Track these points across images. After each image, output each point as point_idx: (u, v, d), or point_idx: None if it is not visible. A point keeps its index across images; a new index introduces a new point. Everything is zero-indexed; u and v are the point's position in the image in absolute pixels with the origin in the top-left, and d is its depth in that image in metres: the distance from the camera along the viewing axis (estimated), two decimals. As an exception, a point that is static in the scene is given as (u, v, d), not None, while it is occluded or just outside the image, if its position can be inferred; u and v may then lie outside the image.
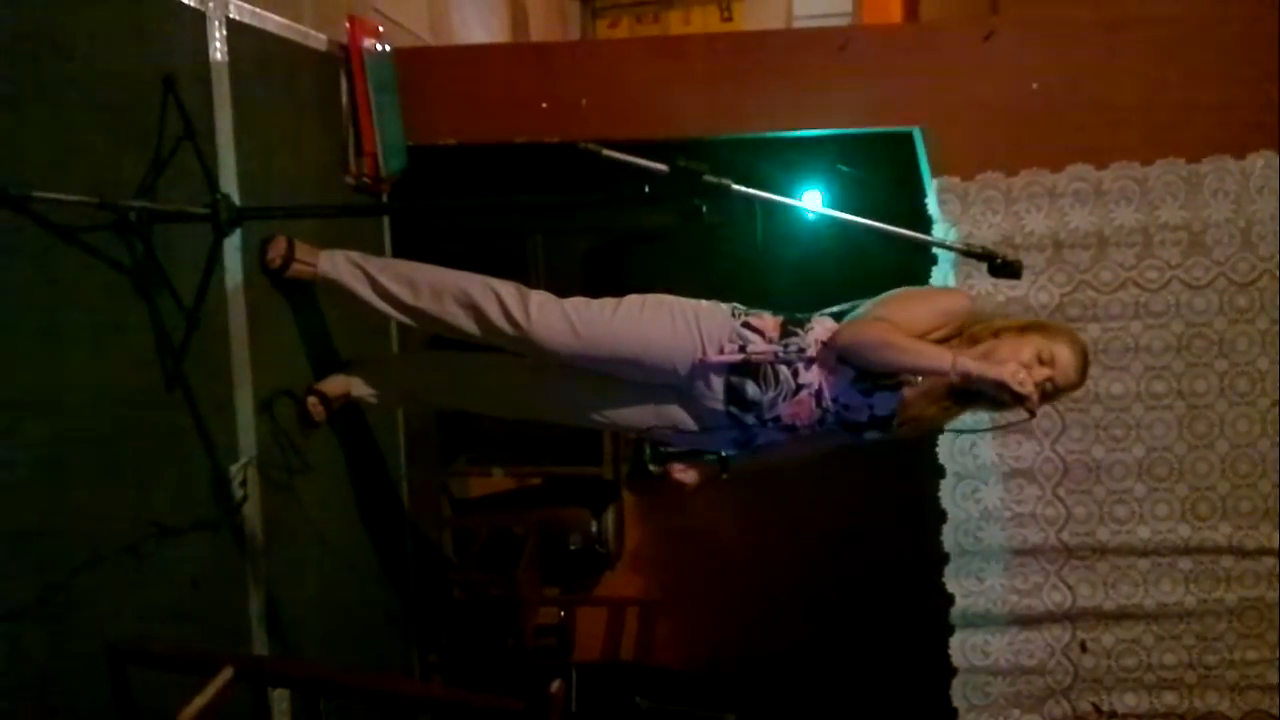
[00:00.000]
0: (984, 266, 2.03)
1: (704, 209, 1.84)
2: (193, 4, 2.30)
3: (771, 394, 2.39)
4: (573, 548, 4.46)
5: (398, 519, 3.61)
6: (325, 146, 3.00)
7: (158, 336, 2.09)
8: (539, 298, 2.52)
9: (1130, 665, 3.28)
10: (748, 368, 2.39)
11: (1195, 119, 3.10)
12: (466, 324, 2.56)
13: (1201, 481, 3.20)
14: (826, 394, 2.37)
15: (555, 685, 1.71)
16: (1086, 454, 3.20)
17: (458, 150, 3.31)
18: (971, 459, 3.20)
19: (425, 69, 3.32)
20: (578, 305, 2.49)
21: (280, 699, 2.49)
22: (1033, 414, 2.23)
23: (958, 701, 3.34)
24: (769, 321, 2.45)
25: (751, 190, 1.87)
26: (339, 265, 2.64)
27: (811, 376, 2.37)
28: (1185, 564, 3.24)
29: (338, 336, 2.95)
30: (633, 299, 2.49)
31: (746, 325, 2.43)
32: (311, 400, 2.76)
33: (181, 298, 2.12)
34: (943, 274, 3.12)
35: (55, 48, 1.84)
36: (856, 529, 4.44)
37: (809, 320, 2.45)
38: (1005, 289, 3.08)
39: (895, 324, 2.30)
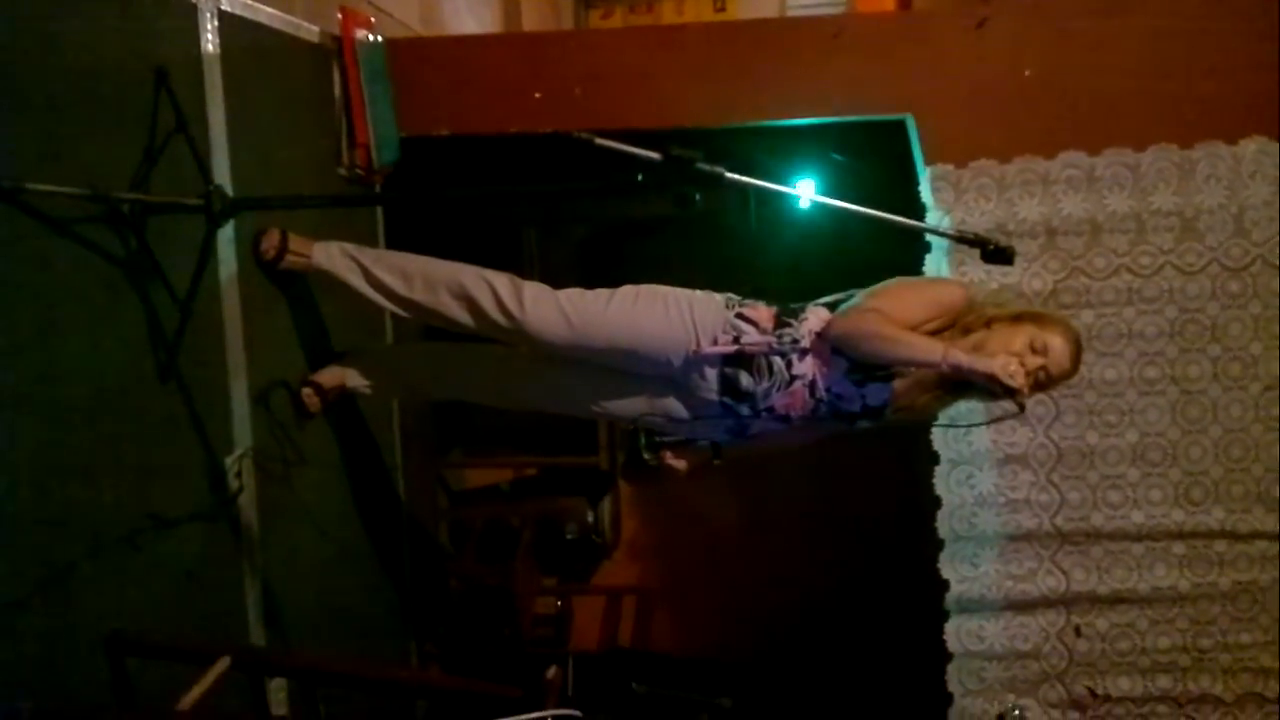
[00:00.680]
0: (977, 253, 2.04)
1: (697, 197, 1.84)
2: (184, -4, 2.30)
3: (765, 385, 2.39)
4: (569, 538, 4.47)
5: (394, 510, 3.61)
6: (318, 138, 3.00)
7: (151, 329, 2.09)
8: (533, 289, 2.52)
9: (1124, 649, 3.29)
10: (742, 358, 2.39)
11: (1188, 105, 3.10)
12: (461, 315, 2.56)
13: (1194, 466, 3.21)
14: (820, 384, 2.38)
15: (552, 671, 1.72)
16: (1080, 439, 3.21)
17: (451, 141, 3.31)
18: (966, 445, 3.21)
19: (418, 60, 3.31)
20: (572, 296, 2.49)
21: (277, 688, 2.50)
22: (1022, 408, 2.24)
23: (953, 686, 3.35)
24: (763, 312, 2.46)
25: (745, 178, 1.87)
26: (333, 257, 2.64)
27: (805, 367, 2.38)
28: (1179, 548, 3.25)
29: (332, 328, 2.95)
30: (627, 290, 2.49)
31: (740, 316, 2.43)
32: (306, 392, 2.76)
33: (175, 290, 2.12)
34: (936, 261, 3.13)
35: (47, 40, 1.84)
36: (851, 515, 4.45)
37: (803, 310, 2.45)
38: (998, 275, 3.08)
39: (888, 315, 2.30)
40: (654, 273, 2.54)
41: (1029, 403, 2.51)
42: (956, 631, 3.33)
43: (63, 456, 1.84)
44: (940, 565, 3.29)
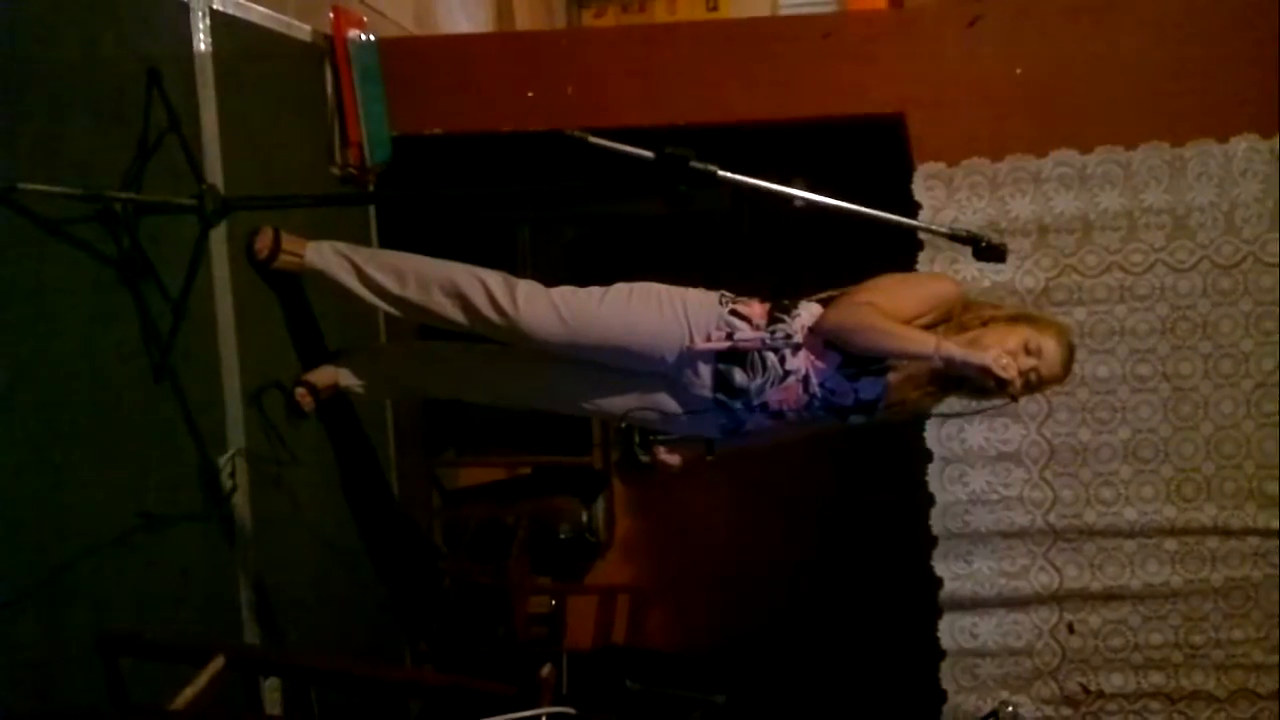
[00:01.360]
0: (969, 250, 2.04)
1: (690, 195, 1.84)
2: (176, -5, 2.29)
3: (759, 381, 2.40)
4: (563, 537, 4.46)
5: (387, 509, 3.61)
6: (310, 137, 3.00)
7: (145, 328, 2.09)
8: (526, 287, 2.52)
9: (1117, 646, 3.30)
10: (735, 355, 2.40)
11: (1179, 103, 3.12)
12: (454, 314, 2.56)
13: (1186, 463, 3.22)
14: (814, 379, 2.38)
15: (546, 669, 1.72)
16: (1073, 437, 3.22)
17: (444, 140, 3.31)
18: (959, 443, 3.22)
19: (410, 59, 3.31)
20: (565, 294, 2.50)
21: (271, 688, 2.50)
22: (1014, 399, 2.26)
23: (946, 684, 3.36)
24: (756, 308, 2.46)
25: (738, 176, 1.87)
26: (326, 256, 2.64)
27: (798, 363, 2.39)
28: (1171, 545, 3.26)
29: (325, 327, 2.95)
30: (620, 287, 2.50)
31: (734, 312, 2.44)
32: (300, 391, 2.76)
33: (168, 289, 2.12)
34: (929, 259, 3.13)
35: (39, 40, 1.84)
36: (845, 513, 4.46)
37: (796, 306, 2.46)
38: (991, 273, 3.09)
39: (881, 308, 2.31)
40: (647, 270, 2.54)
41: (1021, 400, 2.52)
42: (950, 629, 3.33)
43: (55, 456, 1.83)
44: (933, 563, 3.29)
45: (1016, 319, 2.38)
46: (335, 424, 3.05)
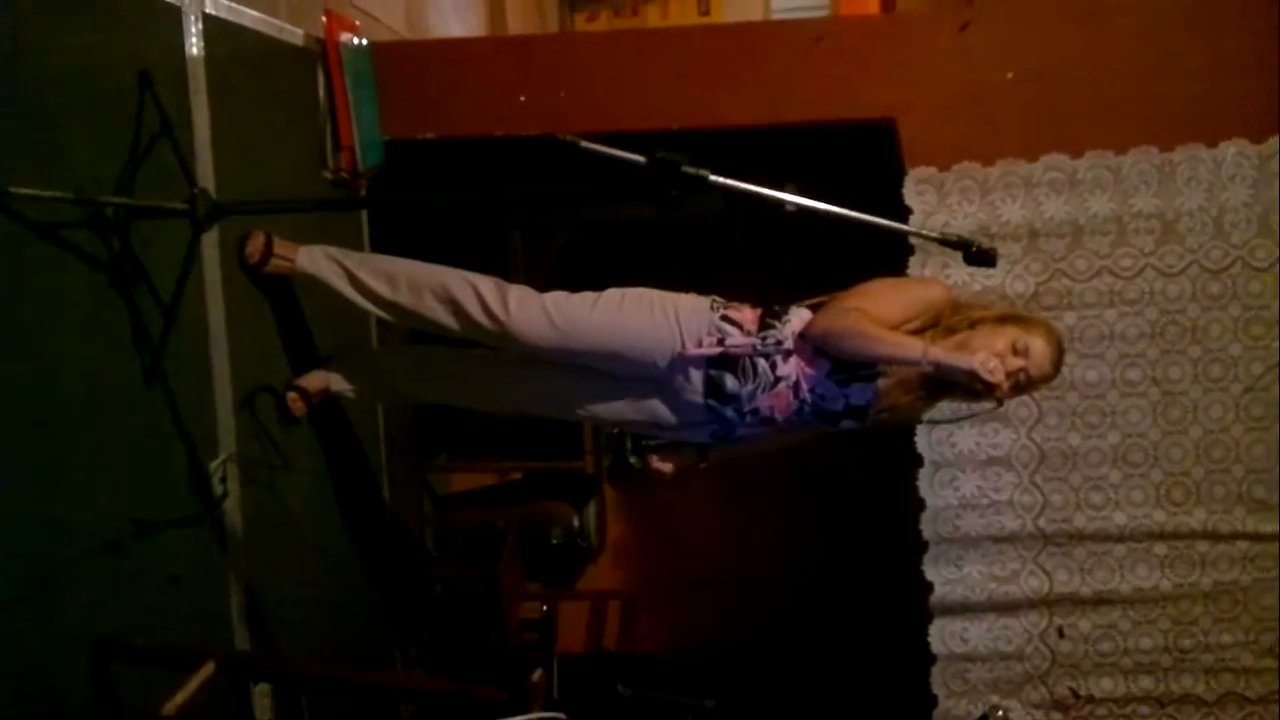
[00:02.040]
0: (960, 255, 2.05)
1: (682, 200, 1.85)
2: (168, -1, 2.29)
3: (750, 387, 2.40)
4: (554, 542, 4.46)
5: (378, 514, 3.60)
6: (303, 141, 2.99)
7: (136, 333, 2.08)
8: (518, 292, 2.52)
9: (1107, 650, 3.32)
10: (727, 360, 2.40)
11: (1169, 108, 3.13)
12: (445, 319, 2.56)
13: (1176, 467, 3.24)
14: (804, 385, 2.39)
15: (537, 674, 1.72)
16: (1063, 441, 3.23)
17: (436, 144, 3.31)
18: (949, 447, 3.23)
19: (402, 63, 3.31)
20: (557, 299, 2.50)
21: (262, 694, 2.49)
22: (1000, 403, 2.27)
23: (937, 688, 3.37)
24: (748, 314, 2.46)
25: (730, 181, 1.88)
26: (317, 260, 2.64)
27: (789, 368, 2.39)
28: (1160, 549, 3.27)
29: (317, 332, 2.94)
30: (612, 293, 2.50)
31: (725, 318, 2.44)
32: (291, 396, 2.76)
33: (160, 293, 2.11)
34: (919, 264, 3.14)
35: (30, 44, 1.84)
36: (835, 518, 4.46)
37: (787, 312, 2.46)
38: (981, 278, 3.11)
39: (870, 313, 2.32)
40: (639, 276, 2.55)
41: (1011, 404, 2.53)
42: (940, 633, 3.34)
43: (46, 461, 1.83)
44: (924, 567, 3.30)
45: (1004, 319, 2.39)
46: (327, 429, 3.04)
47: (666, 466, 2.57)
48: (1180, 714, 3.35)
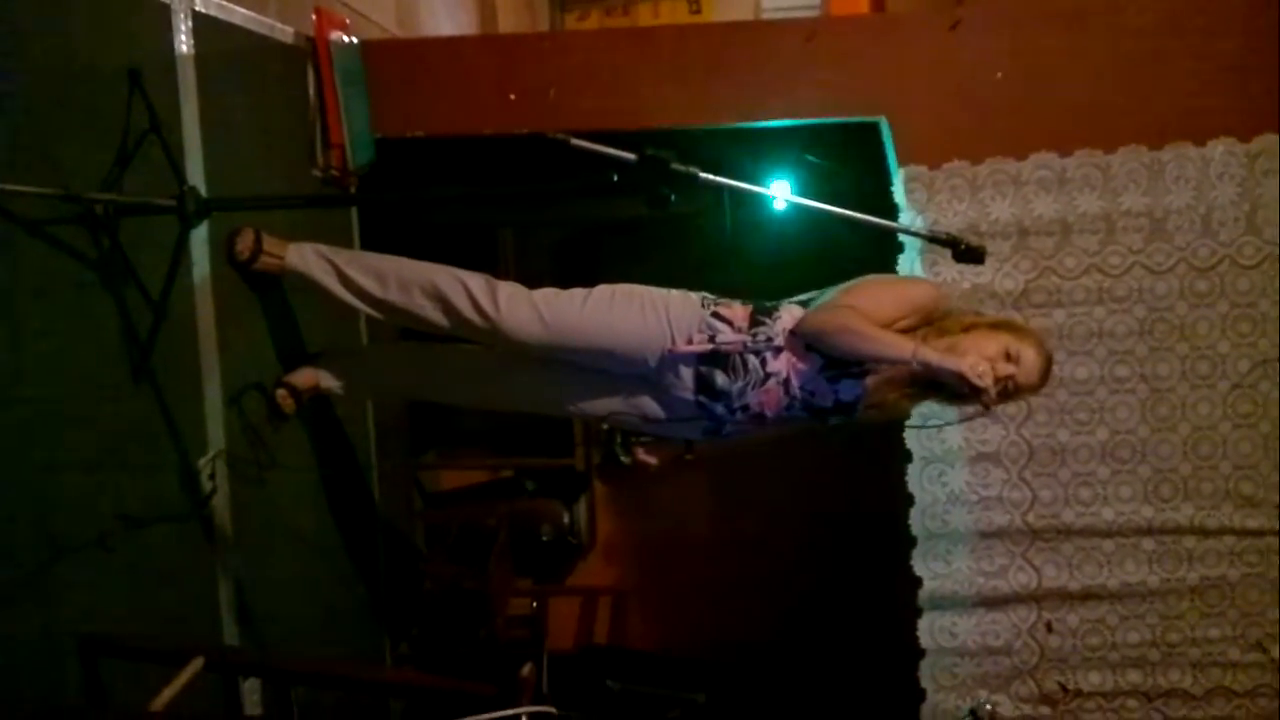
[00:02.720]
0: (949, 253, 2.06)
1: (671, 197, 1.85)
2: (157, -4, 2.29)
3: (740, 383, 2.40)
4: (544, 539, 4.47)
5: (368, 511, 3.60)
6: (292, 139, 2.99)
7: (124, 330, 2.08)
8: (508, 289, 2.52)
9: (1095, 644, 3.33)
10: (717, 357, 2.41)
11: (1157, 107, 3.14)
12: (435, 316, 2.56)
13: (1164, 463, 3.25)
14: (794, 382, 2.39)
15: (526, 669, 1.72)
16: (1051, 437, 3.25)
17: (426, 142, 3.30)
18: (938, 443, 3.24)
19: (392, 61, 3.30)
20: (547, 296, 2.50)
21: (251, 689, 2.49)
22: (987, 408, 2.27)
23: (926, 682, 3.38)
24: (738, 311, 2.47)
25: (719, 179, 1.88)
26: (307, 258, 2.63)
27: (779, 365, 2.40)
28: (1148, 544, 3.29)
29: (306, 329, 2.94)
30: (602, 290, 2.50)
31: (716, 315, 2.44)
32: (280, 393, 2.75)
33: (148, 291, 2.11)
34: (909, 261, 3.15)
35: (19, 41, 1.83)
36: (825, 513, 4.47)
37: (777, 309, 2.47)
38: (970, 276, 3.11)
39: (860, 311, 2.33)
40: (629, 273, 2.55)
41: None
42: (929, 628, 3.35)
43: (34, 457, 1.83)
44: (913, 562, 3.32)
45: (998, 326, 2.41)
46: (316, 426, 3.04)
47: (652, 458, 2.58)
48: (1168, 708, 3.36)
